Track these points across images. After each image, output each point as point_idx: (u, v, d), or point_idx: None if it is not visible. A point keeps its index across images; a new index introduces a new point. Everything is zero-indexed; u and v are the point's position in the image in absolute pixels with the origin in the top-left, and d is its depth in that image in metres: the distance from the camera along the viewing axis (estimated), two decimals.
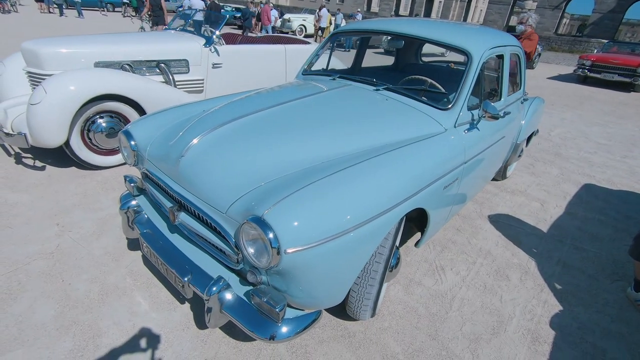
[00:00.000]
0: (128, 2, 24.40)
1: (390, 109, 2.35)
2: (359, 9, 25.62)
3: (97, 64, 3.73)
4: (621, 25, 27.57)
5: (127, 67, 3.87)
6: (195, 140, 1.82)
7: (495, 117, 2.35)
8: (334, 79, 2.81)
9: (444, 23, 3.00)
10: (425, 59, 4.32)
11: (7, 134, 3.19)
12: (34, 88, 3.41)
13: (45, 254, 2.43)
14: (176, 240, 1.91)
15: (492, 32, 3.03)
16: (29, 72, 3.64)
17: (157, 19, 9.58)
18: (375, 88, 2.57)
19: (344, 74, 2.88)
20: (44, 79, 3.36)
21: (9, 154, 3.75)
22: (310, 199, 1.46)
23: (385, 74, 3.70)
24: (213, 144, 1.81)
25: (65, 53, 3.59)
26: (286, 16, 21.13)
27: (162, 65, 4.11)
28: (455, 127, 2.32)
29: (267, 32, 14.85)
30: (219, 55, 4.53)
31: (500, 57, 2.80)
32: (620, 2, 24.05)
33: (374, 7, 41.80)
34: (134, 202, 2.18)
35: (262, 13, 15.63)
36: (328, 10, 18.47)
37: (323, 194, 1.50)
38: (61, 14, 19.42)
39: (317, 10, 18.84)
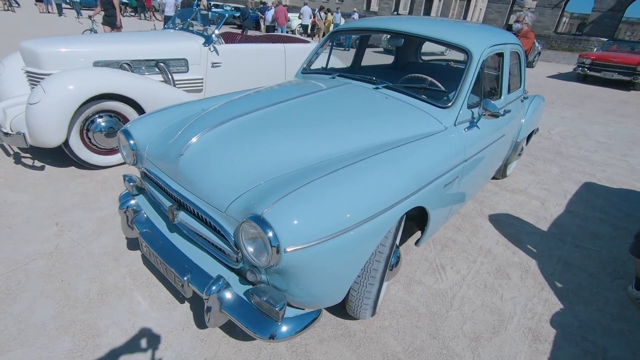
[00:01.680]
0: (127, 1, 24.41)
1: (390, 107, 2.34)
2: (355, 9, 25.58)
3: (96, 63, 3.72)
4: (621, 23, 27.54)
5: (126, 66, 3.86)
6: (194, 139, 1.82)
7: (495, 116, 2.34)
8: (333, 78, 2.80)
9: (443, 21, 2.99)
10: (424, 57, 4.31)
11: (6, 134, 3.18)
12: (33, 87, 3.40)
13: (44, 253, 2.43)
14: (175, 239, 1.90)
15: (492, 30, 3.02)
16: (27, 72, 3.63)
17: (110, 19, 8.05)
18: (374, 86, 2.57)
19: (344, 73, 2.87)
20: (42, 79, 3.35)
21: (8, 154, 3.74)
22: (310, 198, 1.45)
23: (384, 73, 3.69)
24: (212, 142, 1.80)
25: (64, 52, 3.58)
26: None
27: (162, 64, 4.10)
28: (455, 125, 2.31)
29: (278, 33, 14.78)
30: (218, 54, 4.52)
31: (500, 55, 2.79)
32: (619, 0, 24.02)
33: (374, 6, 41.80)
34: (133, 202, 2.18)
35: (278, 13, 15.56)
36: (330, 11, 18.44)
37: (323, 192, 1.49)
38: (60, 13, 19.39)
39: (317, 9, 18.86)
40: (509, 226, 3.25)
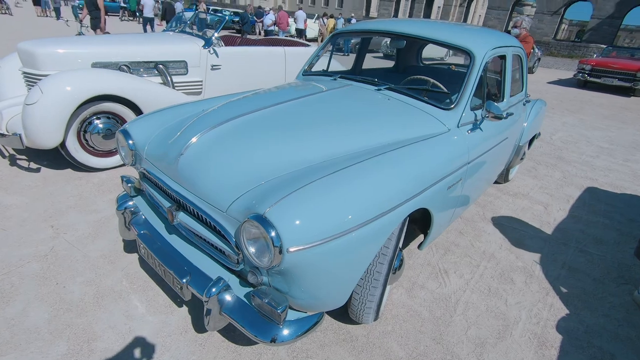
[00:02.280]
0: (126, 5, 24.48)
1: (392, 108, 2.31)
2: (352, 14, 25.72)
3: (95, 65, 3.69)
4: (619, 31, 27.67)
5: (125, 68, 3.83)
6: (194, 139, 1.78)
7: (498, 118, 2.31)
8: (334, 79, 2.77)
9: (445, 23, 2.96)
10: (425, 63, 4.29)
11: (2, 135, 3.14)
12: (30, 88, 3.36)
13: (39, 256, 2.38)
14: (174, 241, 1.85)
15: (494, 32, 3.00)
16: (24, 73, 3.60)
17: (95, 22, 7.88)
18: (376, 88, 2.54)
19: (345, 75, 2.84)
20: (40, 79, 3.31)
21: (4, 156, 3.70)
22: (313, 197, 1.41)
23: (386, 76, 3.66)
24: (213, 142, 1.76)
25: (62, 53, 3.55)
26: None
27: (161, 66, 4.07)
28: (458, 127, 2.28)
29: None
30: (217, 56, 4.49)
31: (503, 57, 2.77)
32: (618, 7, 24.14)
33: (373, 12, 42.05)
34: (131, 203, 2.13)
35: (282, 18, 15.64)
36: (333, 16, 18.58)
37: (325, 192, 1.45)
38: (58, 17, 19.42)
39: (318, 15, 19.03)
40: (512, 230, 3.21)
